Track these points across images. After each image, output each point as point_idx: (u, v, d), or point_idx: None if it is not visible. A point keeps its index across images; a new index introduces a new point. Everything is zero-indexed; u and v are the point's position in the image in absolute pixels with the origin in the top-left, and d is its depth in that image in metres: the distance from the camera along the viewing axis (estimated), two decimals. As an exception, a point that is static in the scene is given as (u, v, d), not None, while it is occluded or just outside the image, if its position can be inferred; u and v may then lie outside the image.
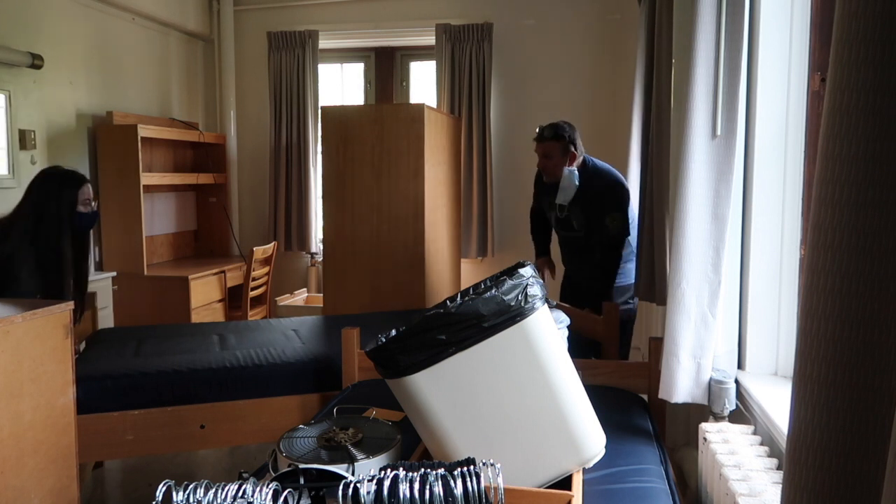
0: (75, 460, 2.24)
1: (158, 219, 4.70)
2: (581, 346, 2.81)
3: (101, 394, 2.38)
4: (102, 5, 4.26)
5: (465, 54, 4.72)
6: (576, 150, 3.00)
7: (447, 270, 4.15)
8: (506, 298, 1.36)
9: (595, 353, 2.84)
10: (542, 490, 1.39)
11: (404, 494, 1.10)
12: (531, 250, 3.54)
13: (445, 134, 4.16)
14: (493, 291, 1.37)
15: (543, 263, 3.31)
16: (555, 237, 3.38)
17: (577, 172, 3.00)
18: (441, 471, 1.14)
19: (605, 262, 3.03)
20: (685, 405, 1.97)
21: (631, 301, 3.06)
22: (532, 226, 3.43)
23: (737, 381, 1.91)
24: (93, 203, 2.75)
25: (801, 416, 0.78)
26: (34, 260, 2.61)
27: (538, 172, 3.26)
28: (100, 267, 4.10)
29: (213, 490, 1.11)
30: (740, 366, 1.99)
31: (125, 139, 4.10)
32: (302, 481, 1.23)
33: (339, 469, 1.27)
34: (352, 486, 1.11)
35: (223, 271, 4.49)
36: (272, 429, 2.45)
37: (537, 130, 3.05)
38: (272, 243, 4.83)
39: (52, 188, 2.67)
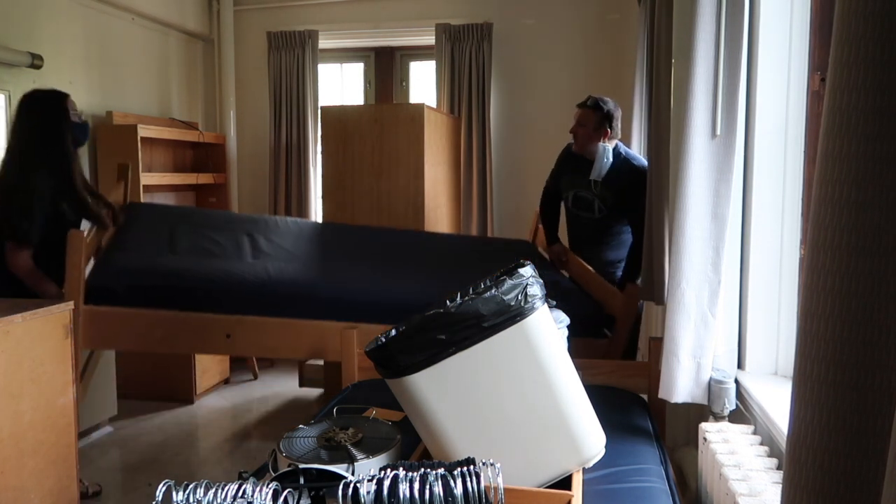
0: (75, 460, 2.25)
1: (158, 219, 4.69)
2: (597, 319, 2.82)
3: (137, 289, 2.49)
4: (102, 5, 4.25)
5: (464, 54, 4.72)
6: (610, 129, 3.01)
7: (447, 270, 4.14)
8: (506, 298, 1.36)
9: (608, 325, 2.83)
10: (542, 490, 1.39)
11: (404, 494, 1.10)
12: (531, 250, 3.53)
13: (445, 134, 4.16)
14: (492, 291, 1.37)
15: (560, 251, 3.27)
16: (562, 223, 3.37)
17: (610, 150, 3.01)
18: (441, 471, 1.14)
19: (639, 243, 3.02)
20: (685, 405, 1.97)
21: None
22: (543, 209, 3.39)
23: (737, 381, 1.91)
24: (81, 115, 2.78)
25: (801, 416, 0.78)
26: (62, 191, 2.63)
27: (565, 150, 3.25)
28: (100, 267, 4.10)
29: (213, 490, 1.11)
30: (740, 366, 1.99)
31: (125, 139, 4.10)
32: (302, 481, 1.23)
33: (339, 469, 1.28)
34: (352, 486, 1.11)
35: (223, 271, 4.49)
36: (292, 348, 2.59)
37: (586, 97, 3.09)
38: (272, 243, 4.83)
39: (43, 107, 2.67)
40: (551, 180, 3.35)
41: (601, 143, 3.02)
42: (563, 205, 3.33)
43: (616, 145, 3.07)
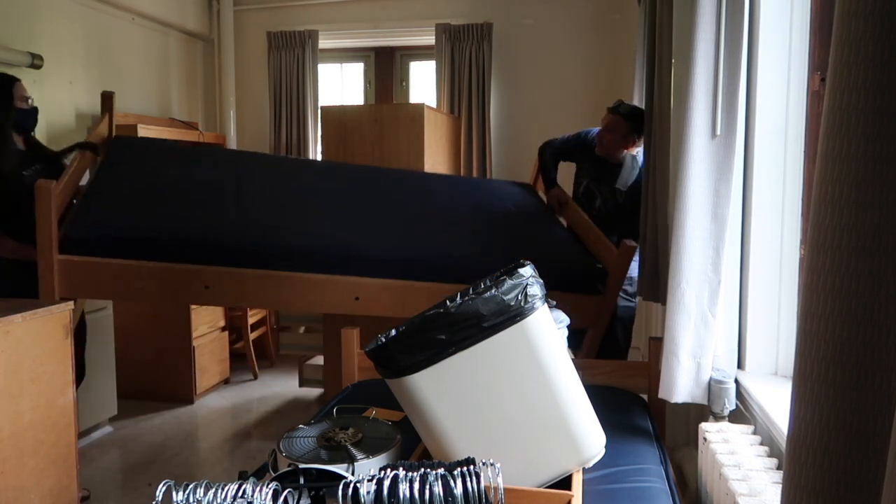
0: (75, 460, 2.25)
1: (158, 219, 4.68)
2: (591, 272, 2.79)
3: (113, 241, 2.49)
4: (102, 5, 4.25)
5: (464, 54, 4.72)
6: (638, 140, 3.00)
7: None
8: (506, 298, 1.36)
9: (602, 281, 2.80)
10: (542, 490, 1.39)
11: (404, 494, 1.10)
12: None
13: (445, 134, 4.16)
14: (492, 291, 1.37)
15: (559, 195, 3.24)
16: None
17: (638, 161, 3.00)
18: (441, 471, 1.14)
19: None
20: (685, 405, 1.97)
21: (632, 300, 3.05)
22: (542, 158, 3.35)
23: (737, 381, 1.91)
24: (29, 100, 2.76)
25: (801, 416, 0.78)
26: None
27: (588, 137, 3.23)
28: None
29: (213, 490, 1.11)
30: (740, 366, 1.99)
31: (125, 139, 4.09)
32: (302, 481, 1.23)
33: (339, 469, 1.28)
34: (352, 486, 1.11)
35: (223, 271, 4.48)
36: (272, 300, 2.64)
37: (617, 101, 3.08)
38: (272, 243, 4.82)
39: None
40: (563, 144, 3.32)
41: (629, 153, 3.02)
42: (573, 188, 3.34)
43: (636, 154, 3.08)
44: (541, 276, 2.53)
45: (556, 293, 2.55)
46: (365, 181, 3.21)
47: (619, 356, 2.99)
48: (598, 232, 2.94)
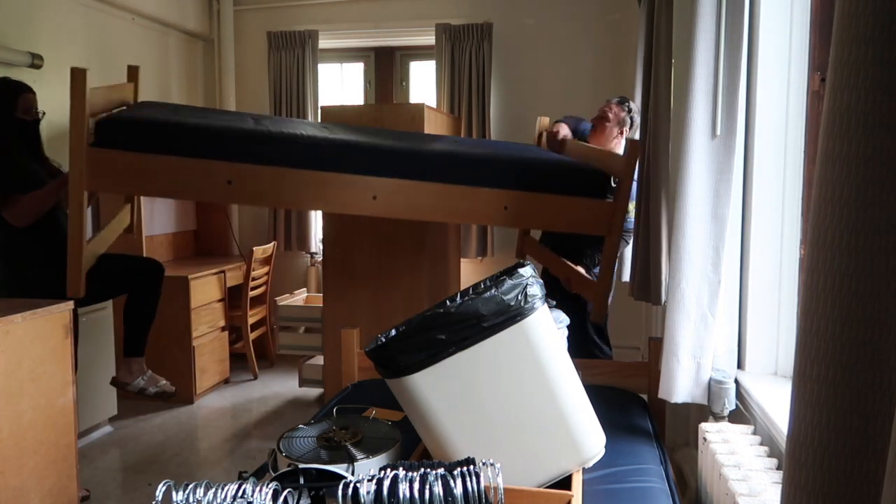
0: (75, 460, 2.25)
1: (158, 218, 4.69)
2: (600, 178, 2.75)
3: (142, 136, 2.53)
4: (102, 5, 4.25)
5: (464, 54, 4.72)
6: (627, 131, 3.08)
7: (447, 270, 4.15)
8: (505, 298, 1.37)
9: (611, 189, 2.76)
10: (542, 490, 1.39)
11: (404, 494, 1.10)
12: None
13: (445, 133, 4.16)
14: (492, 291, 1.37)
15: (558, 128, 3.25)
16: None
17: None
18: (441, 471, 1.14)
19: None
20: (685, 405, 1.97)
21: None
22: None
23: (736, 381, 1.91)
24: (37, 111, 2.79)
25: (801, 416, 0.78)
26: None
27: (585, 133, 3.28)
28: (100, 267, 4.09)
29: (213, 490, 1.11)
30: (740, 366, 1.99)
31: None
32: (302, 481, 1.23)
33: (338, 469, 1.28)
34: (351, 485, 1.12)
35: (223, 271, 4.49)
36: (292, 200, 2.70)
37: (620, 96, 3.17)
38: (272, 243, 4.83)
39: None
40: (575, 133, 3.34)
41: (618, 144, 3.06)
42: None
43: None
44: (553, 179, 2.59)
45: (570, 197, 2.63)
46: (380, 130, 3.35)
47: (587, 348, 3.01)
48: (602, 151, 2.96)
